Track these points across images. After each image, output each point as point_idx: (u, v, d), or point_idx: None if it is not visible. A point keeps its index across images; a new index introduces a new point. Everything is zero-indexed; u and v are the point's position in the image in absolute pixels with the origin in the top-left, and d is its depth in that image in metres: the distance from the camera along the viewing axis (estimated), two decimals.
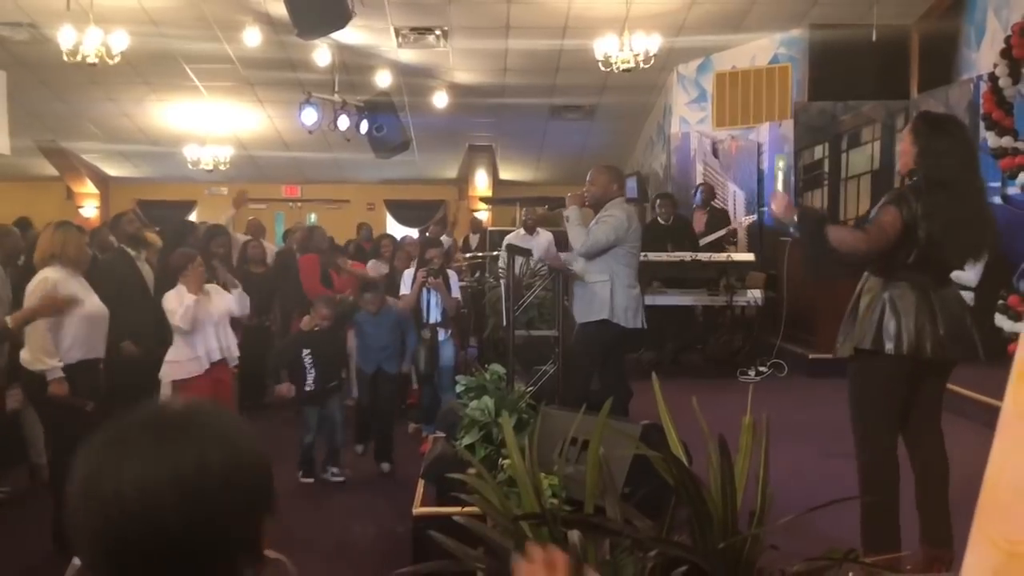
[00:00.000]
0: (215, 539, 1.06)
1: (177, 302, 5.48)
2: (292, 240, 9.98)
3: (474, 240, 14.15)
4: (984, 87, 8.58)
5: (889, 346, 3.58)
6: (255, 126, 15.42)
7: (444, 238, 10.21)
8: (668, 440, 2.68)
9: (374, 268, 9.13)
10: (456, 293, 7.20)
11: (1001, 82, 8.13)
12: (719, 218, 10.77)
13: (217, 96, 13.93)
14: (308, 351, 6.11)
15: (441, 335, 7.00)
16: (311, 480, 6.06)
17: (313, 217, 18.78)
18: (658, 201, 10.26)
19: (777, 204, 3.83)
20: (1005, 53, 8.15)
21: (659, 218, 10.05)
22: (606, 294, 5.57)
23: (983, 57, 9.40)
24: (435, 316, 6.94)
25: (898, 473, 3.67)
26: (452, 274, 7.31)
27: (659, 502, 2.59)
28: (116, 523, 1.03)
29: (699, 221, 10.64)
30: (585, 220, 5.73)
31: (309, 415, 6.14)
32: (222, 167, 15.72)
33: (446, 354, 7.04)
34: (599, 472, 2.58)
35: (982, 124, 8.80)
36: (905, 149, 3.69)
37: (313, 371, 6.09)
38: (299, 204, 19.60)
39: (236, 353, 5.83)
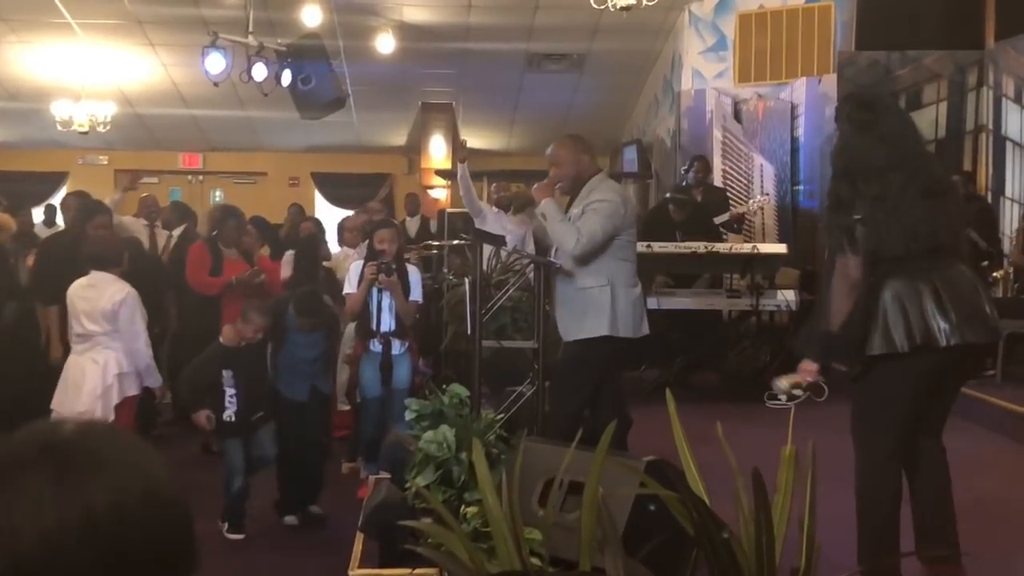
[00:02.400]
0: None
1: None
2: (193, 223, 9.92)
3: (412, 226, 14.12)
4: None
5: (902, 344, 3.94)
6: (145, 76, 15.32)
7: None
8: (687, 477, 2.68)
9: (290, 266, 9.09)
10: (418, 294, 7.16)
11: None
12: (717, 200, 10.75)
13: (95, 37, 13.78)
14: (230, 372, 6.07)
15: (396, 347, 6.96)
16: (241, 536, 6.00)
17: (219, 194, 18.69)
18: (671, 208, 10.04)
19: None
20: None
21: (672, 215, 10.00)
22: (605, 302, 5.58)
23: None
24: (388, 324, 6.91)
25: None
26: (413, 269, 7.28)
27: (673, 557, 2.59)
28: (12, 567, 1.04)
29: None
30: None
31: (232, 452, 6.08)
32: (101, 129, 15.57)
33: (401, 372, 6.98)
34: (597, 520, 2.57)
35: None
36: None
37: (235, 396, 6.06)
38: (201, 178, 19.52)
39: None
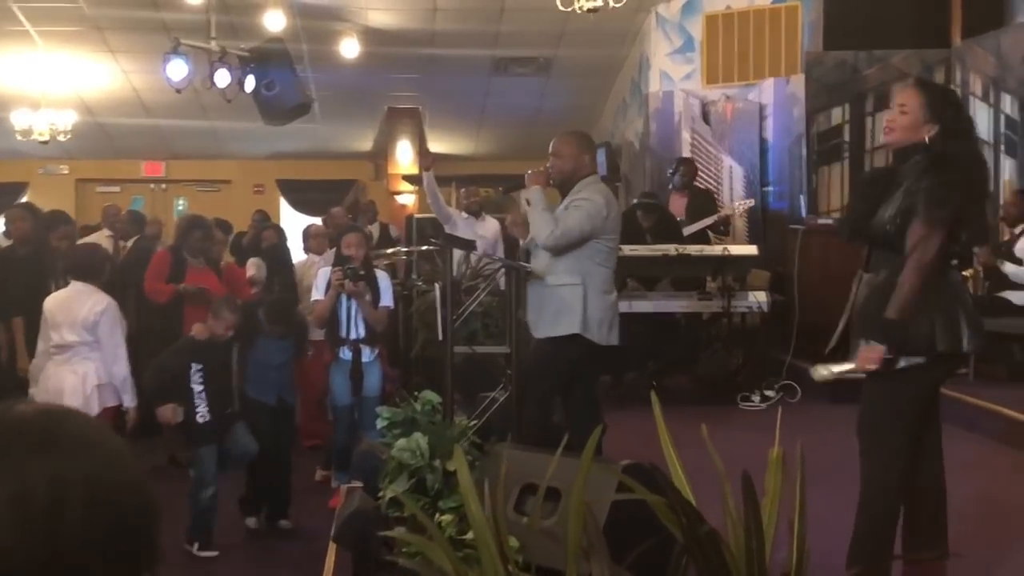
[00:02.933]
0: None
1: None
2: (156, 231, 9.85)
3: (372, 233, 14.06)
4: None
5: (966, 344, 3.90)
6: (105, 84, 15.21)
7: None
8: (674, 481, 2.63)
9: (256, 267, 9.04)
10: (389, 300, 7.12)
11: None
12: (704, 202, 10.76)
13: (55, 45, 13.69)
14: (200, 367, 5.94)
15: (366, 355, 6.90)
16: (205, 553, 5.84)
17: (183, 203, 18.56)
18: (639, 213, 9.96)
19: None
20: None
21: (640, 220, 9.96)
22: (577, 301, 5.54)
23: None
24: (357, 330, 6.86)
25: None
26: (383, 275, 7.24)
27: (655, 563, 2.55)
28: None
29: (677, 206, 10.62)
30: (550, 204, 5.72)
31: (206, 460, 5.91)
32: (61, 138, 15.48)
33: (371, 380, 6.94)
34: (583, 527, 2.52)
35: None
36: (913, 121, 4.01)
37: (203, 394, 5.92)
38: (164, 186, 19.37)
39: None
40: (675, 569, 2.45)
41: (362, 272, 6.83)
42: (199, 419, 5.90)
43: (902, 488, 3.99)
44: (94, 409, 6.06)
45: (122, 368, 6.25)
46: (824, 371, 4.10)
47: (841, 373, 4.03)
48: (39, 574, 0.99)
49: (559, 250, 5.57)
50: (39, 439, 1.04)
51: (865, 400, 4.08)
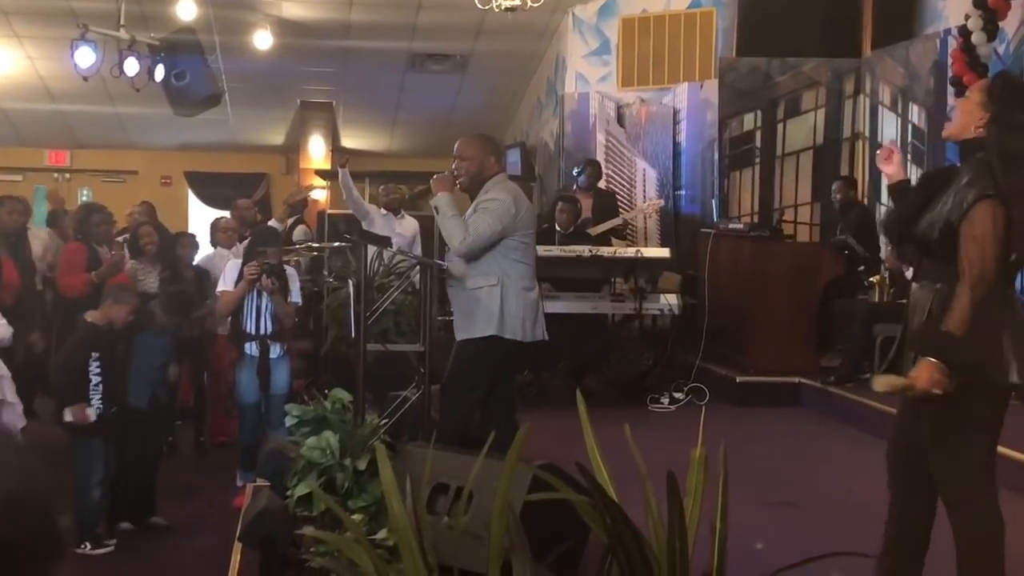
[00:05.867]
0: None
1: None
2: (63, 223, 9.64)
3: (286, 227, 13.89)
4: (953, 44, 8.95)
5: (1016, 378, 3.61)
6: (9, 69, 14.90)
7: (273, 222, 10.00)
8: (598, 481, 2.65)
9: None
10: (297, 296, 7.08)
11: (974, 38, 8.51)
12: (607, 204, 10.84)
13: None
14: (97, 356, 5.70)
15: (274, 351, 6.85)
16: (101, 551, 5.64)
17: (87, 193, 18.20)
18: (560, 204, 10.15)
19: (890, 164, 3.90)
20: (979, 3, 8.51)
21: (557, 224, 10.03)
22: (494, 302, 5.52)
23: (952, 7, 9.81)
24: (265, 326, 6.80)
25: None
26: (292, 271, 7.20)
27: (574, 564, 2.57)
28: None
29: (583, 207, 10.70)
30: (461, 208, 5.70)
31: (93, 454, 5.69)
32: None
33: (279, 377, 6.88)
34: (506, 527, 2.53)
35: (950, 89, 9.18)
36: (968, 110, 3.78)
37: (100, 386, 5.70)
38: (68, 176, 19.00)
39: None
40: (599, 569, 2.48)
41: (276, 268, 6.79)
42: (92, 413, 5.66)
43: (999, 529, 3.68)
44: None
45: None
46: (885, 381, 3.75)
47: (904, 387, 3.67)
48: None
49: (473, 254, 5.54)
50: None
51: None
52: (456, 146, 5.80)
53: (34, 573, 1.09)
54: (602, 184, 11.32)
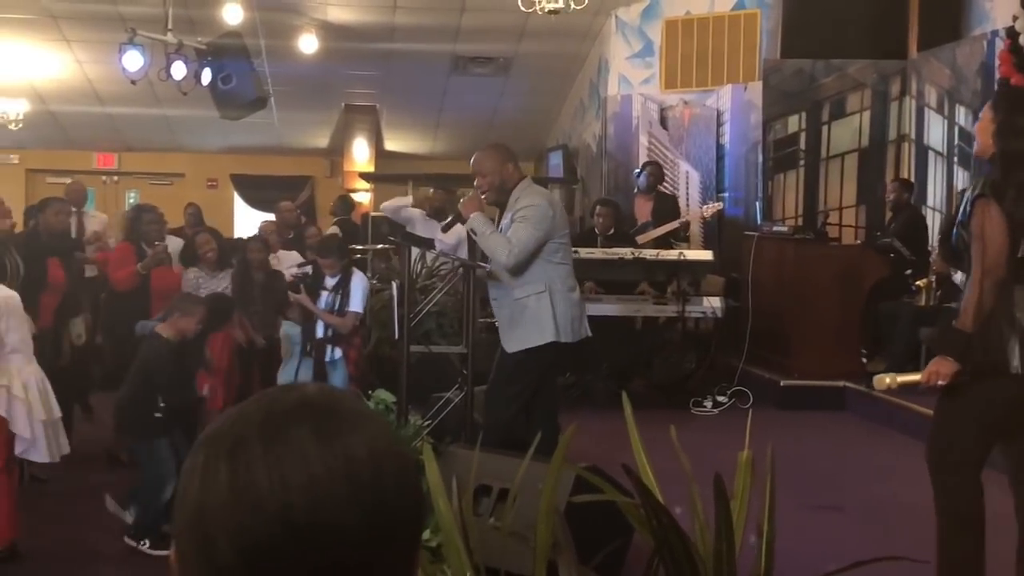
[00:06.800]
0: (392, 556, 1.10)
1: None
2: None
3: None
4: (1000, 45, 8.84)
5: (1016, 364, 3.71)
6: (59, 73, 15.05)
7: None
8: (645, 484, 2.64)
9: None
10: (356, 305, 7.04)
11: (1022, 39, 8.40)
12: (669, 207, 10.82)
13: (8, 32, 13.52)
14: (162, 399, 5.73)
15: (329, 355, 6.88)
16: (159, 552, 5.46)
17: (134, 195, 18.38)
18: (598, 208, 10.17)
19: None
20: None
21: (595, 228, 10.02)
22: (544, 309, 5.52)
23: (999, 7, 9.71)
24: (322, 329, 6.84)
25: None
26: (360, 279, 7.20)
27: (617, 566, 2.57)
28: (282, 539, 1.06)
29: (643, 210, 10.68)
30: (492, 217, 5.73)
31: (163, 453, 5.63)
32: (12, 127, 15.30)
33: (335, 381, 6.91)
34: (552, 529, 2.52)
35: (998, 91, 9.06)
36: (983, 128, 3.92)
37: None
38: (116, 178, 19.17)
39: None
40: (646, 572, 2.47)
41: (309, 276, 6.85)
42: (158, 406, 5.67)
43: (977, 513, 3.85)
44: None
45: None
46: (888, 379, 3.91)
47: (905, 383, 3.87)
48: (367, 545, 1.07)
49: (521, 266, 5.53)
50: (349, 415, 1.12)
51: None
52: (472, 163, 5.80)
53: (416, 535, 1.15)
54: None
